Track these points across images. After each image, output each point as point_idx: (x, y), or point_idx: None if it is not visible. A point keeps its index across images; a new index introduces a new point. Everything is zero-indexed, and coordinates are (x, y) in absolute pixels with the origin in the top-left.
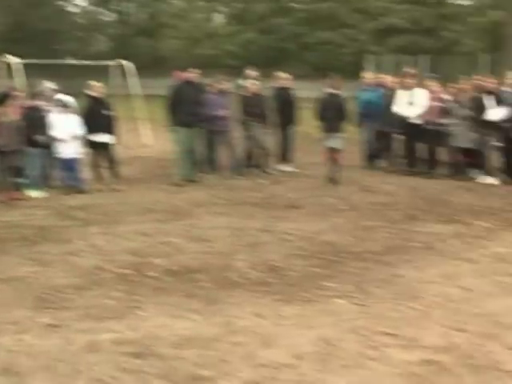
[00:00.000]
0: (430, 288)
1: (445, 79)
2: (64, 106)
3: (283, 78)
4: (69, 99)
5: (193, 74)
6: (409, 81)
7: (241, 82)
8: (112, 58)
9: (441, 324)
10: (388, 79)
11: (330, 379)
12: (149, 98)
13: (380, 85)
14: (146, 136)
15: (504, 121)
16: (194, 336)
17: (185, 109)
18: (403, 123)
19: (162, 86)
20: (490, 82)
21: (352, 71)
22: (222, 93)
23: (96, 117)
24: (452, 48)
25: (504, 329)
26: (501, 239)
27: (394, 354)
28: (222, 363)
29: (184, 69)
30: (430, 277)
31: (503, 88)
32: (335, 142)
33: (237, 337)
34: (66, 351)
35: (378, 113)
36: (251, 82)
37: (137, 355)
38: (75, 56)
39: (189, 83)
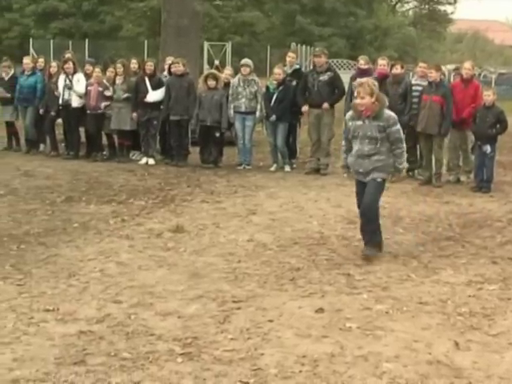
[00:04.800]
0: (87, 265)
1: (106, 63)
2: None
3: None
4: None
5: None
6: (69, 65)
7: None
8: None
9: (98, 298)
10: (52, 64)
11: None
12: None
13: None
14: None
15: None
16: None
17: None
18: (63, 107)
19: None
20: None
21: (17, 55)
22: None
23: None
24: (113, 32)
25: (155, 297)
26: (155, 216)
27: (52, 328)
28: None
29: None
30: (88, 254)
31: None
32: None
33: None
34: None
35: (38, 97)
36: None
37: None
38: None
39: None
